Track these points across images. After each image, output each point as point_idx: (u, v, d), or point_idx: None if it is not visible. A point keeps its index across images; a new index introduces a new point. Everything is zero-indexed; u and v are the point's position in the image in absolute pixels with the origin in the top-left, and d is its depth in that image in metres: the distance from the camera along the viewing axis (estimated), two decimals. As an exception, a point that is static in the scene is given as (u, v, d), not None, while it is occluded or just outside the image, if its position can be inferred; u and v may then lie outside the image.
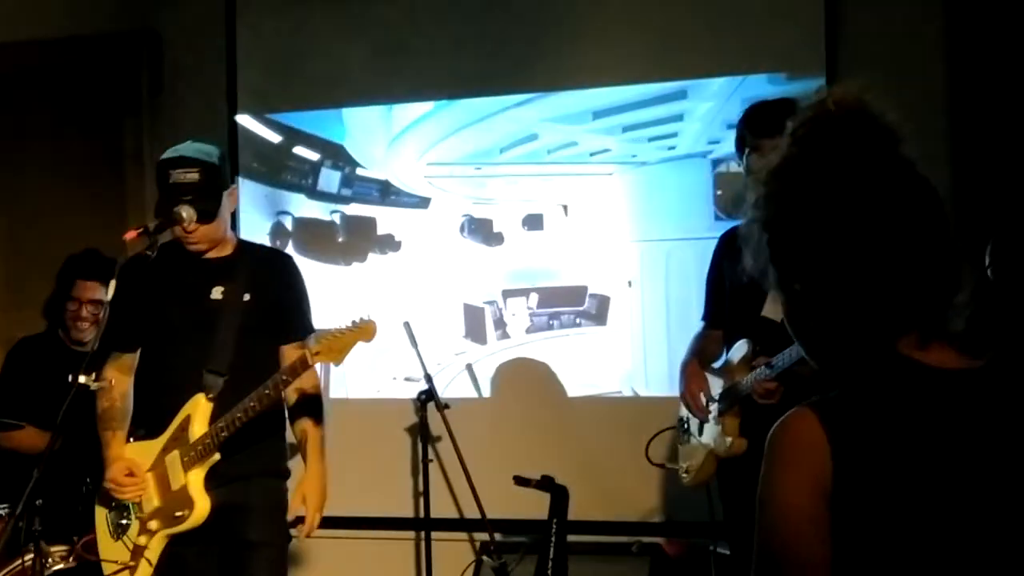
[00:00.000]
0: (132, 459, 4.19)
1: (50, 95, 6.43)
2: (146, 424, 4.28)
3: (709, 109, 5.63)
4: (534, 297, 5.92)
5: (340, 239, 6.10)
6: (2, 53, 6.42)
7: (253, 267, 4.26)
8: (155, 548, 4.13)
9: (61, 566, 4.68)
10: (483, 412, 5.86)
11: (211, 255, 4.25)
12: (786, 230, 1.72)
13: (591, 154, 5.84)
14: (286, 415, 4.35)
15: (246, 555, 4.15)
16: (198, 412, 4.11)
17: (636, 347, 5.76)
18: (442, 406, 5.36)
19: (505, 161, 5.96)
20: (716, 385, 4.52)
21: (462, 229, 6.00)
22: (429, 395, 5.40)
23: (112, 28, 6.37)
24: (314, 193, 6.21)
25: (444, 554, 5.61)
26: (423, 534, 5.63)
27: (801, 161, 1.72)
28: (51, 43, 6.40)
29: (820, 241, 1.69)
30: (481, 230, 5.99)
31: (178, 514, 4.08)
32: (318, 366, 4.17)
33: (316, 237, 6.20)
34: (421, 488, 5.62)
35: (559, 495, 5.08)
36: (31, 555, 4.65)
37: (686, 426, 4.62)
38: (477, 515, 5.35)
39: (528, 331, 5.85)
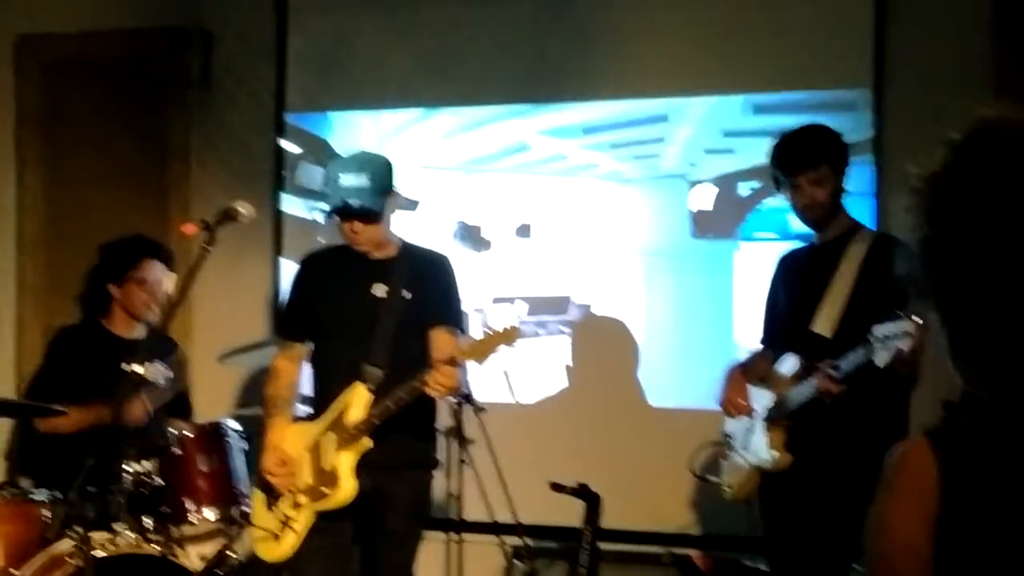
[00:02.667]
0: (285, 449, 4.50)
1: (99, 87, 6.48)
2: (314, 407, 4.60)
3: (689, 133, 5.78)
4: (521, 305, 6.00)
5: (320, 238, 6.00)
6: (54, 44, 6.50)
7: (414, 267, 4.54)
8: (303, 520, 4.46)
9: (101, 552, 4.70)
10: (518, 417, 5.88)
11: (377, 255, 4.55)
12: (937, 239, 1.68)
13: (581, 167, 5.98)
14: (435, 407, 4.61)
15: (384, 542, 4.53)
16: (356, 399, 4.40)
17: (615, 357, 5.90)
18: (479, 409, 5.39)
19: (497, 169, 6.05)
20: (753, 399, 4.55)
21: (454, 235, 6.08)
22: (466, 397, 5.42)
23: (163, 23, 6.42)
24: (292, 187, 6.27)
25: (474, 556, 5.63)
26: (454, 535, 5.66)
27: (957, 173, 1.67)
28: (102, 35, 6.46)
29: (971, 253, 1.65)
30: (471, 236, 6.10)
31: (326, 492, 4.37)
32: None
33: (294, 234, 6.25)
34: (453, 490, 5.64)
35: (593, 503, 5.11)
36: (69, 541, 4.70)
37: (730, 440, 4.64)
38: (508, 519, 5.38)
39: (516, 337, 5.87)
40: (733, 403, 4.59)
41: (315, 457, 4.47)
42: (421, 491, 4.62)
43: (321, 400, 4.57)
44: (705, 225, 5.74)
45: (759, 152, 5.41)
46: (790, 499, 4.36)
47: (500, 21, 6.06)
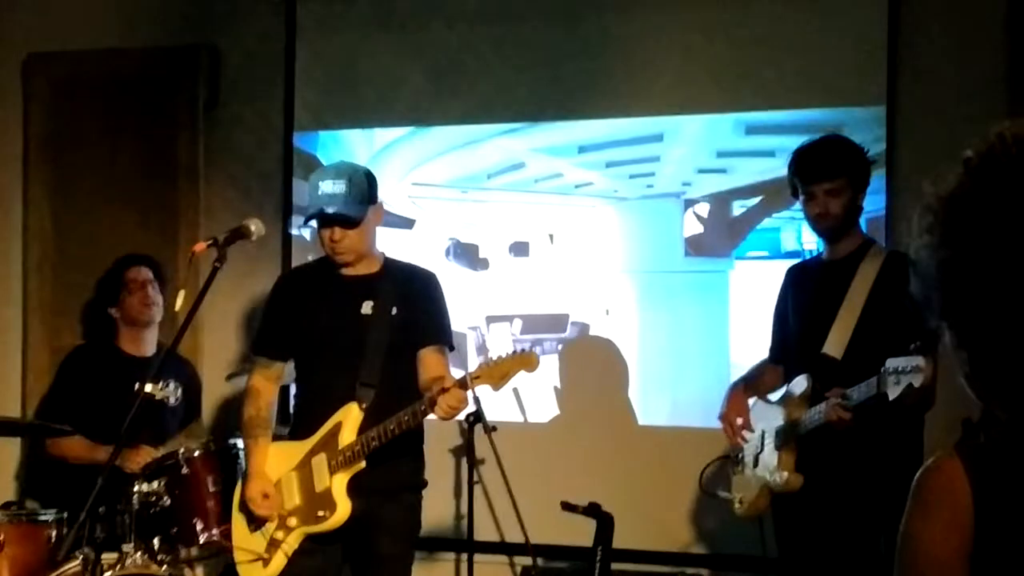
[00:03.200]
0: (268, 474, 4.43)
1: (107, 106, 6.45)
2: (297, 427, 4.54)
3: (682, 153, 5.80)
4: (517, 323, 5.98)
5: (309, 256, 5.90)
6: (62, 62, 6.48)
7: (399, 283, 4.46)
8: (292, 543, 4.38)
9: (109, 574, 4.68)
10: (529, 436, 5.86)
11: (360, 271, 4.48)
12: (955, 265, 1.64)
13: (576, 186, 5.99)
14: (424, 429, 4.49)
15: (376, 566, 4.43)
16: (349, 420, 4.30)
17: (611, 375, 5.89)
18: (490, 428, 5.36)
19: (492, 187, 6.05)
20: (761, 415, 4.52)
21: (447, 253, 6.08)
22: (477, 417, 5.39)
23: (172, 42, 6.41)
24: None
25: (483, 578, 5.63)
26: (464, 556, 5.63)
27: (975, 193, 1.62)
28: (110, 54, 6.44)
29: (991, 276, 1.61)
30: (467, 255, 6.09)
31: (320, 514, 4.30)
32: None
33: (303, 252, 6.18)
34: (463, 510, 5.62)
35: (605, 522, 5.08)
36: (76, 562, 4.68)
37: (740, 456, 4.61)
38: (518, 539, 5.35)
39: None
40: (731, 422, 4.58)
41: (305, 478, 4.38)
42: (411, 514, 4.53)
43: (307, 420, 4.48)
44: (699, 244, 5.77)
45: (751, 171, 5.59)
46: (804, 520, 4.34)
47: (509, 40, 6.04)
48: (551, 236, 6.00)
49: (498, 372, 4.02)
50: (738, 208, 5.68)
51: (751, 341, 5.38)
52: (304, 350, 4.54)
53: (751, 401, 4.63)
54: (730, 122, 5.72)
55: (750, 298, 5.56)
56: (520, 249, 6.03)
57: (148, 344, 5.63)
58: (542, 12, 6.01)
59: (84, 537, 4.21)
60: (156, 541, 4.79)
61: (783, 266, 5.25)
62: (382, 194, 4.55)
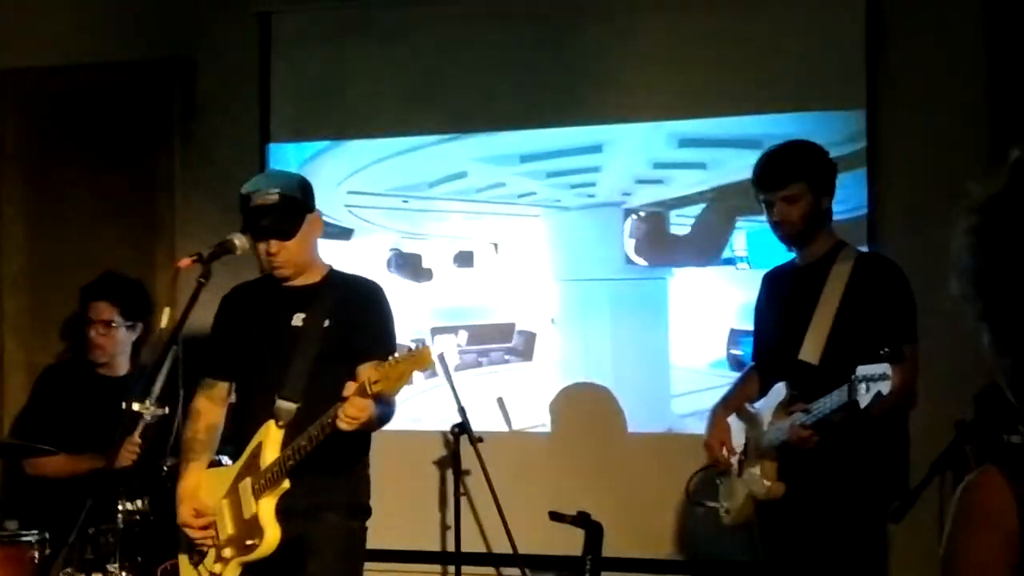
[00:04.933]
0: (202, 498, 4.21)
1: (83, 120, 6.40)
2: (233, 449, 4.32)
3: (622, 163, 5.83)
4: (463, 334, 5.96)
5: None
6: (36, 77, 6.43)
7: (338, 294, 4.25)
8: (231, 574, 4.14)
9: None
10: (514, 446, 5.83)
11: (298, 283, 4.28)
12: (998, 265, 1.62)
13: (519, 196, 5.98)
14: (369, 444, 4.31)
15: None
16: (269, 439, 4.09)
17: (559, 383, 5.89)
18: (476, 439, 5.35)
19: (434, 196, 6.05)
20: (744, 424, 4.51)
21: (389, 264, 6.04)
22: (462, 428, 5.38)
23: (147, 55, 6.36)
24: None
25: (471, 589, 5.60)
26: (451, 568, 5.61)
27: (1020, 195, 1.62)
28: (84, 69, 6.39)
29: None
30: (409, 265, 6.05)
31: (248, 543, 4.06)
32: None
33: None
34: (449, 522, 5.59)
35: (594, 532, 5.07)
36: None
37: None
38: (504, 550, 5.33)
39: (456, 368, 5.82)
40: (714, 448, 4.55)
41: (235, 505, 4.15)
42: (344, 536, 4.22)
43: (239, 442, 4.26)
44: (640, 252, 5.80)
45: (688, 182, 5.65)
46: (789, 526, 4.31)
47: (487, 51, 6.03)
48: (495, 245, 5.99)
49: (395, 374, 3.73)
50: (676, 217, 5.74)
51: (690, 346, 5.59)
52: (238, 367, 4.35)
53: (731, 418, 4.59)
54: (664, 134, 5.75)
55: (688, 305, 5.68)
56: (464, 259, 6.01)
57: (120, 366, 5.59)
58: (521, 23, 5.99)
59: (75, 558, 4.14)
60: (140, 560, 4.76)
61: (720, 272, 5.55)
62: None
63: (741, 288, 5.46)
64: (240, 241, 4.14)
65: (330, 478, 4.13)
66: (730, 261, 5.61)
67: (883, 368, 3.74)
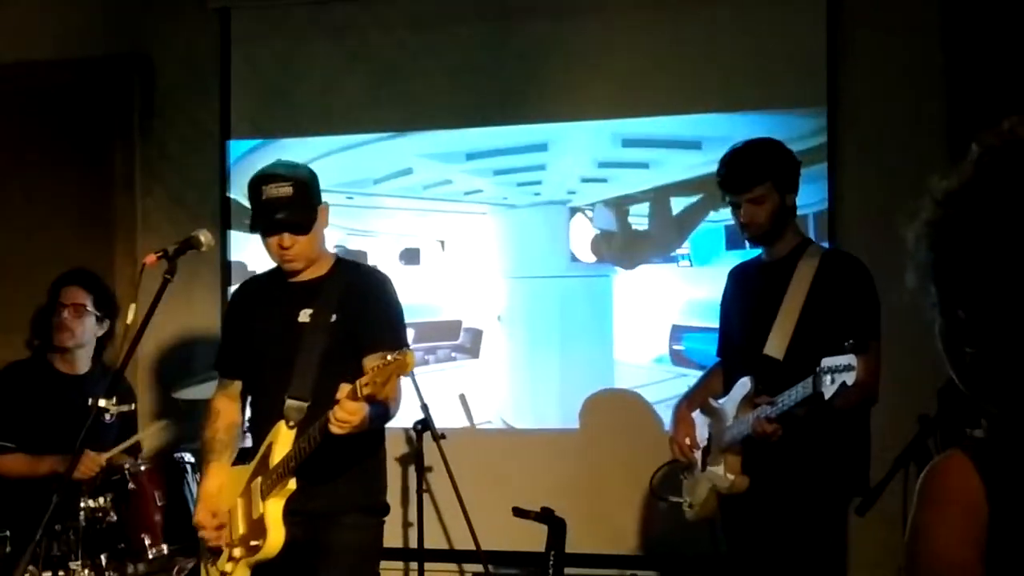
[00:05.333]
0: (219, 499, 4.12)
1: (40, 117, 6.39)
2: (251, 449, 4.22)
3: (567, 161, 5.89)
4: (410, 331, 5.96)
5: (251, 265, 5.94)
6: (-8, 75, 6.39)
7: (344, 287, 4.14)
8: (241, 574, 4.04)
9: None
10: (477, 443, 5.85)
11: (305, 277, 4.17)
12: (957, 256, 1.64)
13: (465, 193, 6.02)
14: (383, 440, 4.23)
15: None
16: (279, 440, 3.99)
17: (505, 379, 5.94)
18: (438, 436, 5.34)
19: (380, 193, 6.05)
20: (708, 419, 4.52)
21: None
22: (425, 424, 5.37)
23: (104, 52, 6.33)
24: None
25: (433, 586, 5.60)
26: (413, 564, 5.61)
27: (981, 188, 1.63)
28: (43, 65, 6.37)
29: (994, 271, 1.60)
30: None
31: (254, 543, 3.97)
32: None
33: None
34: (412, 518, 5.59)
35: (557, 527, 5.08)
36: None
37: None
38: (467, 546, 5.34)
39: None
40: (678, 443, 4.55)
41: (246, 505, 4.06)
42: (363, 541, 4.12)
43: (255, 442, 4.18)
44: (584, 250, 5.86)
45: (631, 181, 5.73)
46: (751, 519, 4.34)
47: (446, 48, 6.04)
48: (442, 243, 6.01)
49: (381, 378, 3.62)
50: (621, 215, 5.80)
51: (634, 342, 5.68)
52: (248, 365, 4.26)
53: (695, 413, 4.59)
54: (609, 133, 5.81)
55: (632, 301, 5.75)
56: (411, 256, 6.03)
57: (80, 362, 5.51)
58: (479, 19, 6.02)
59: (40, 555, 4.10)
60: (103, 557, 4.74)
61: (663, 270, 5.64)
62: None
63: (683, 285, 5.58)
64: (205, 237, 4.08)
65: (345, 478, 4.04)
66: (672, 259, 5.68)
67: (847, 359, 3.76)
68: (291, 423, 3.99)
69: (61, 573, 4.56)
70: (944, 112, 5.29)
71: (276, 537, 3.93)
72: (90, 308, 5.42)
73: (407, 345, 4.10)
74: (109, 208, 6.30)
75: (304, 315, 4.09)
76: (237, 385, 4.31)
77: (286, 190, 4.01)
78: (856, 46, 5.48)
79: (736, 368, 4.45)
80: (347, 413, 3.67)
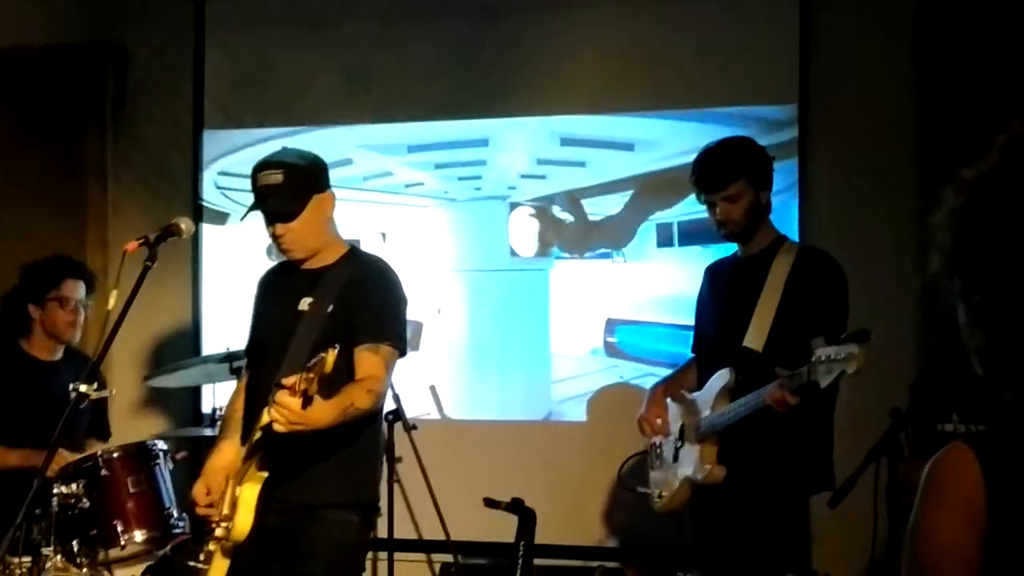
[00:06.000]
0: (215, 476, 4.08)
1: (13, 103, 6.37)
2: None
3: (507, 158, 5.97)
4: None
5: (227, 254, 6.05)
6: (-34, 59, 6.37)
7: (347, 277, 4.10)
8: (220, 556, 3.99)
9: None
10: (447, 433, 5.88)
11: (312, 265, 4.15)
12: (980, 241, 1.65)
13: (406, 186, 6.07)
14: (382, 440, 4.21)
15: None
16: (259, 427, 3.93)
17: (444, 372, 5.99)
18: (409, 427, 5.37)
19: None
20: (681, 411, 4.53)
21: (268, 251, 5.92)
22: (396, 415, 5.40)
23: (78, 39, 6.33)
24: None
25: (404, 575, 5.62)
26: (382, 554, 5.63)
27: (1006, 176, 1.65)
28: (15, 51, 6.35)
29: (1016, 256, 1.62)
30: None
31: (226, 526, 3.94)
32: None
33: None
34: (381, 508, 5.60)
35: (527, 518, 5.12)
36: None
37: (659, 451, 4.62)
38: (436, 536, 5.36)
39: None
40: (650, 423, 4.56)
41: (232, 487, 4.00)
42: (344, 535, 4.06)
43: (245, 425, 4.13)
44: (523, 244, 5.93)
45: (568, 179, 5.84)
46: (721, 510, 4.35)
47: (421, 38, 6.06)
48: (383, 235, 6.03)
49: (311, 375, 3.55)
50: (558, 212, 5.90)
51: (569, 334, 5.78)
52: (254, 351, 4.27)
53: (668, 401, 4.61)
54: (547, 131, 5.89)
55: (567, 295, 5.85)
56: None
57: (57, 350, 5.52)
58: (457, 9, 6.04)
59: (21, 540, 4.09)
60: (75, 544, 4.72)
61: (600, 265, 5.73)
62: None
63: (617, 280, 5.71)
64: (186, 225, 4.08)
65: (329, 472, 4.01)
66: (607, 255, 5.78)
67: (849, 349, 3.74)
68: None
69: (29, 559, 4.54)
70: (913, 110, 5.36)
71: (241, 522, 3.88)
72: (86, 301, 5.43)
73: (395, 338, 4.07)
74: (81, 195, 6.29)
75: (304, 303, 4.07)
76: None
77: (276, 177, 4.00)
78: (828, 41, 5.53)
79: (712, 362, 4.46)
80: (283, 409, 3.61)
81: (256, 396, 4.10)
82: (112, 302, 3.81)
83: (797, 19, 5.54)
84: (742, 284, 4.41)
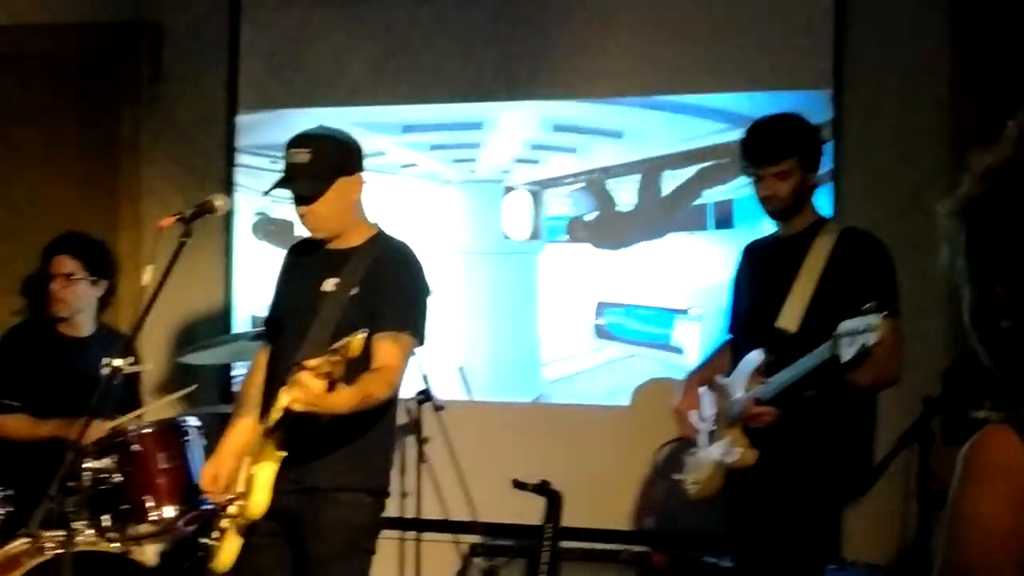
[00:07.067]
0: (224, 460, 4.12)
1: (48, 81, 6.40)
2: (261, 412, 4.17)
3: (502, 141, 5.98)
4: None
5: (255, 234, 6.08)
6: (3, 35, 6.39)
7: (372, 260, 4.10)
8: (233, 535, 4.03)
9: (59, 552, 4.62)
10: (475, 414, 5.87)
11: (337, 245, 4.15)
12: (997, 230, 1.64)
13: (401, 166, 6.06)
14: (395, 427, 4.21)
15: (311, 568, 4.07)
16: (280, 406, 3.91)
17: (436, 355, 5.81)
18: (438, 407, 5.39)
19: None
20: (715, 395, 4.50)
21: (255, 229, 6.02)
22: (426, 395, 5.42)
23: (114, 18, 6.34)
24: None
25: (432, 555, 5.63)
26: (410, 534, 5.65)
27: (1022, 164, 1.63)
28: (50, 28, 6.37)
29: None
30: (279, 232, 6.01)
31: (241, 504, 3.97)
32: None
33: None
34: (408, 488, 5.62)
35: (554, 500, 5.13)
36: (24, 540, 4.65)
37: (694, 437, 4.59)
38: (463, 517, 5.37)
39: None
40: (683, 415, 4.53)
41: (249, 465, 4.03)
42: (357, 518, 4.10)
43: (264, 403, 4.12)
44: (515, 227, 5.96)
45: (561, 165, 5.87)
46: (755, 495, 4.30)
47: (457, 18, 6.05)
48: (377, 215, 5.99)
49: (335, 357, 3.58)
50: (551, 196, 5.91)
51: (557, 318, 5.83)
52: (273, 327, 4.30)
53: (702, 389, 4.55)
54: (539, 117, 5.91)
55: (557, 278, 5.89)
56: None
57: (83, 325, 5.55)
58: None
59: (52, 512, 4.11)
60: (106, 518, 4.76)
61: (585, 249, 5.78)
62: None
63: (607, 263, 5.78)
64: (221, 202, 4.08)
65: (345, 456, 4.03)
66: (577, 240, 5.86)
67: (869, 320, 3.71)
68: None
69: (63, 533, 4.58)
70: (948, 94, 5.34)
71: (257, 502, 3.92)
72: (80, 275, 5.44)
73: (415, 328, 4.10)
74: (114, 173, 6.31)
75: (329, 284, 4.07)
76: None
77: (303, 156, 4.01)
78: (863, 29, 5.49)
79: (746, 342, 4.41)
80: (300, 390, 3.62)
81: (275, 375, 4.11)
82: (147, 278, 3.82)
83: (832, 2, 5.51)
84: (780, 264, 4.36)
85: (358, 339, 3.56)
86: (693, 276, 5.64)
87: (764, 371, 4.23)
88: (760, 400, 4.10)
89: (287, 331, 4.14)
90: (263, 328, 4.44)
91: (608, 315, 5.76)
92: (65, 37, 6.38)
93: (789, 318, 4.25)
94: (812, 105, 5.25)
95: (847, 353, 3.78)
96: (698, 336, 5.61)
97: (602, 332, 5.77)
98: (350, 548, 4.10)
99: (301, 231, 5.18)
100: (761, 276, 4.48)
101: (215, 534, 4.10)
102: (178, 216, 3.98)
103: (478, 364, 5.98)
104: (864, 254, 4.26)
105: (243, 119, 6.25)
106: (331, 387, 3.65)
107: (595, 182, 5.84)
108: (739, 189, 5.39)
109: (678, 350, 5.68)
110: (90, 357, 5.21)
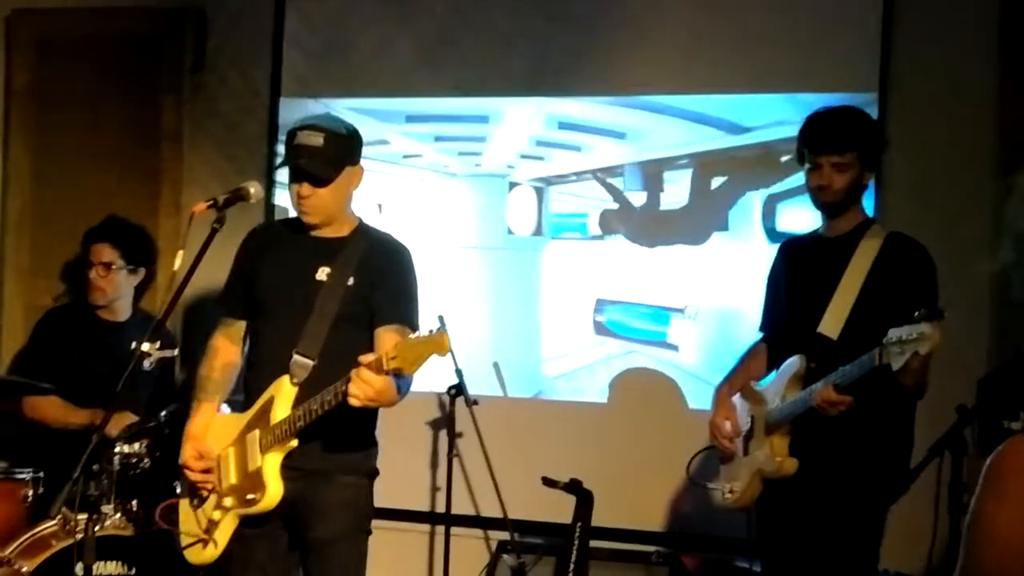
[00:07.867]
0: (207, 441, 4.13)
1: (91, 65, 6.40)
2: (245, 397, 4.18)
3: (506, 137, 5.98)
4: None
5: None
6: (50, 17, 6.44)
7: (365, 251, 4.10)
8: (227, 527, 4.04)
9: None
10: (508, 411, 5.86)
11: (325, 233, 4.14)
12: None
13: (404, 156, 6.05)
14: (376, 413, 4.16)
15: (315, 553, 4.08)
16: (281, 395, 3.97)
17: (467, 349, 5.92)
18: (471, 402, 5.37)
19: None
20: (750, 402, 4.43)
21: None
22: (459, 390, 5.40)
23: (159, 3, 6.36)
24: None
25: (461, 550, 5.61)
26: (439, 528, 5.63)
27: None
28: (96, 12, 6.40)
29: None
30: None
31: (250, 496, 3.95)
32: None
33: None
34: (439, 483, 5.62)
35: (585, 499, 5.10)
36: (53, 522, 4.67)
37: None
38: (493, 513, 5.34)
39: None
40: (719, 427, 4.43)
41: (240, 456, 4.03)
42: (357, 496, 4.12)
43: (250, 390, 4.14)
44: (519, 223, 5.95)
45: (566, 162, 5.86)
46: (789, 503, 4.21)
47: (500, 9, 6.02)
48: (380, 206, 5.98)
49: (412, 355, 3.53)
50: (555, 193, 5.90)
51: (560, 313, 5.83)
52: (254, 311, 4.21)
53: (735, 397, 4.47)
54: (544, 114, 5.89)
55: (559, 274, 5.89)
56: None
57: (121, 311, 5.59)
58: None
59: (77, 495, 4.11)
60: (135, 503, 4.78)
61: (590, 246, 5.75)
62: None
63: (607, 260, 5.77)
64: (255, 189, 4.07)
65: (339, 442, 4.03)
66: (599, 237, 5.83)
67: (921, 328, 3.61)
68: (295, 379, 3.97)
69: (92, 515, 4.58)
70: (996, 96, 5.26)
71: (275, 491, 3.93)
72: (118, 264, 5.48)
73: (416, 320, 4.08)
74: (155, 159, 6.32)
75: (322, 273, 4.06)
76: (240, 326, 4.27)
77: (317, 140, 3.99)
78: (909, 32, 5.43)
79: (784, 347, 4.30)
80: (367, 385, 3.63)
81: (266, 362, 4.10)
82: (178, 263, 3.81)
83: (880, 5, 5.44)
84: (822, 265, 4.24)
85: (446, 336, 3.53)
86: (693, 276, 5.65)
87: (804, 378, 4.13)
88: (838, 386, 3.94)
89: (278, 317, 4.11)
90: (224, 309, 4.35)
91: (607, 312, 5.75)
92: (109, 22, 6.39)
93: (831, 324, 4.14)
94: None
95: (897, 362, 3.68)
96: (694, 334, 5.61)
97: (601, 329, 5.76)
98: (353, 529, 4.12)
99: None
100: (802, 277, 4.36)
101: (192, 525, 4.13)
102: (211, 202, 3.96)
103: (478, 361, 5.89)
104: (910, 261, 4.15)
105: (285, 107, 6.23)
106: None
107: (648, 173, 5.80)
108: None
109: (674, 348, 5.66)
110: (125, 341, 5.28)
